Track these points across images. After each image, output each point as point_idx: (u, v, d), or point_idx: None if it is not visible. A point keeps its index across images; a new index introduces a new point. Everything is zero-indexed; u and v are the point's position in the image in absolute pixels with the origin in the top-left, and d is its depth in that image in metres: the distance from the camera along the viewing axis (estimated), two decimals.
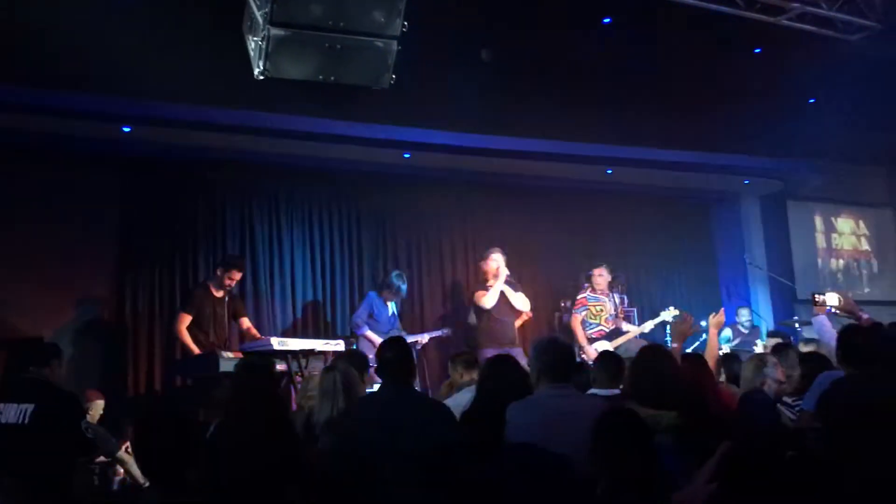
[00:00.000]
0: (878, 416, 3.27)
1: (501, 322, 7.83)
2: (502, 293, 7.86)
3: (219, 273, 6.99)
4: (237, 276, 7.01)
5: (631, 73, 7.71)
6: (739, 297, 10.30)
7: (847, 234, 11.32)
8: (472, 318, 8.11)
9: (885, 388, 3.53)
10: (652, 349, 4.13)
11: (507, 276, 7.92)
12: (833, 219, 11.22)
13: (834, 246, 11.14)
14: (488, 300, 7.76)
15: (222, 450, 3.36)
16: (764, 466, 2.53)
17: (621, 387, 4.16)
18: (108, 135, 7.20)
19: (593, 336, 8.00)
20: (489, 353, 6.18)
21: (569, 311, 8.56)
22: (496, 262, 7.90)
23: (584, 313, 8.10)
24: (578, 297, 8.21)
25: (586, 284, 8.25)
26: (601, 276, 8.16)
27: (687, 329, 5.25)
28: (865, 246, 11.42)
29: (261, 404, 3.56)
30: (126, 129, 7.15)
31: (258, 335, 7.05)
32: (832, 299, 5.07)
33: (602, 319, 8.12)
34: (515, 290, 8.01)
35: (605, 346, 7.82)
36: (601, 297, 8.13)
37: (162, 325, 7.55)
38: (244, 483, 2.91)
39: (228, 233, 8.08)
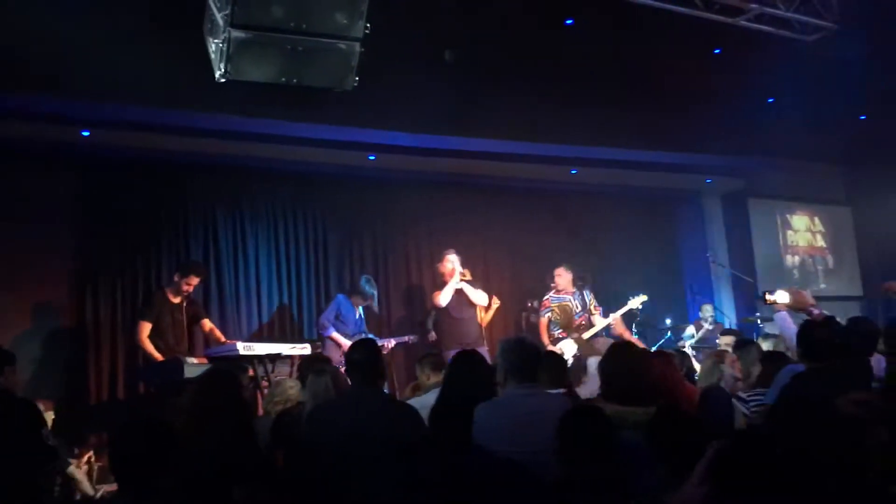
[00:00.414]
0: (833, 411, 3.33)
1: (461, 320, 7.94)
2: (460, 291, 7.96)
3: (176, 279, 6.90)
4: (195, 281, 6.93)
5: (594, 74, 7.76)
6: (703, 294, 10.43)
7: (804, 231, 11.52)
8: (430, 323, 8.28)
9: (842, 381, 3.59)
10: (621, 346, 4.16)
11: (462, 273, 7.99)
12: (791, 216, 11.41)
13: (790, 243, 11.33)
14: (443, 298, 7.94)
15: (183, 454, 3.31)
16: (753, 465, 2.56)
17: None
18: (67, 138, 7.08)
19: (559, 336, 8.05)
20: (454, 353, 6.20)
21: (535, 311, 8.62)
22: (451, 262, 8.07)
23: (548, 315, 8.18)
24: (544, 298, 8.29)
25: (552, 284, 8.31)
26: (560, 277, 8.24)
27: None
28: (821, 242, 11.63)
29: (223, 410, 3.52)
30: (85, 133, 7.03)
31: (222, 337, 6.98)
32: (782, 297, 5.13)
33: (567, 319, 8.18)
34: (475, 287, 8.08)
35: (569, 345, 7.88)
36: (564, 296, 8.19)
37: (125, 332, 7.43)
38: (204, 488, 2.88)
39: (192, 237, 7.99)
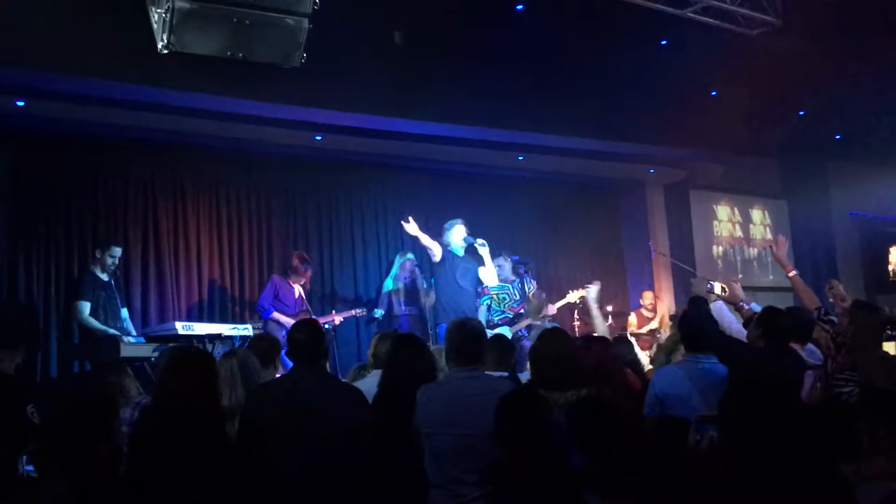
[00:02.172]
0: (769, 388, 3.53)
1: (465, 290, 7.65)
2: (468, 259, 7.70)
3: (98, 255, 6.74)
4: (118, 252, 6.77)
5: (541, 61, 7.80)
6: (644, 283, 10.61)
7: (731, 221, 11.75)
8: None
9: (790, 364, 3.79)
10: (551, 333, 4.20)
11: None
12: (717, 206, 11.62)
13: (716, 233, 11.54)
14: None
15: (145, 436, 3.17)
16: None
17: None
18: (1, 108, 6.83)
19: (498, 322, 8.07)
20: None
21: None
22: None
23: (486, 302, 8.18)
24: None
25: None
26: (500, 266, 8.25)
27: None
28: (768, 234, 11.90)
29: (196, 392, 3.33)
30: (20, 103, 6.79)
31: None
32: (718, 289, 5.29)
33: (506, 306, 8.20)
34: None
35: (505, 332, 7.91)
36: (504, 284, 8.22)
37: (59, 309, 7.24)
38: (167, 471, 2.74)
39: (130, 213, 7.80)
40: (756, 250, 11.79)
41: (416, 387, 3.62)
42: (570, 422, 3.04)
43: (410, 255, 8.46)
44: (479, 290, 8.23)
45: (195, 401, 3.14)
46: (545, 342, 3.97)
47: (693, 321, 4.20)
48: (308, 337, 3.72)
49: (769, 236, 11.67)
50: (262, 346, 4.59)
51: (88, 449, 2.50)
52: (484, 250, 7.45)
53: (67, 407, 2.61)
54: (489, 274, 7.58)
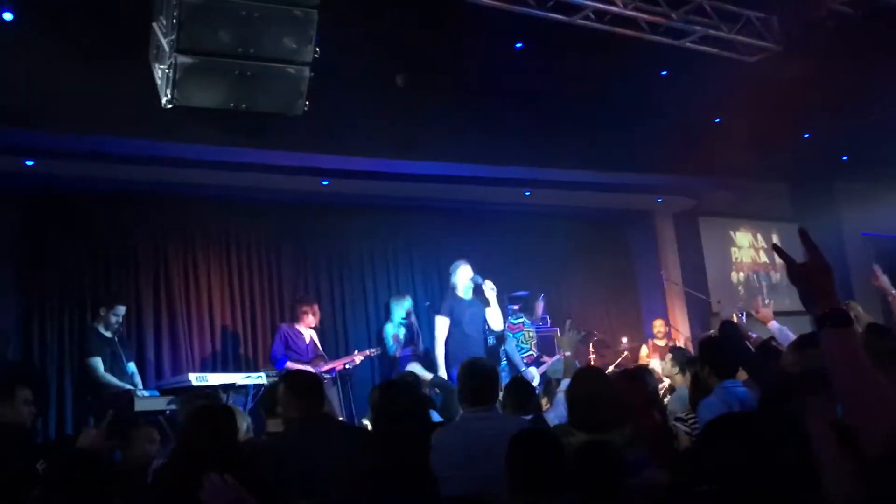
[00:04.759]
0: None
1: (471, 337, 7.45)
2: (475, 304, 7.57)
3: (102, 313, 6.74)
4: (122, 311, 6.78)
5: (544, 97, 7.85)
6: (658, 313, 10.52)
7: (747, 247, 11.70)
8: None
9: None
10: (586, 372, 4.10)
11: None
12: (735, 233, 11.58)
13: (735, 259, 11.48)
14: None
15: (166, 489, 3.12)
16: None
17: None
18: (10, 168, 6.92)
19: (525, 361, 8.03)
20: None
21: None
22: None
23: (520, 336, 8.19)
24: (514, 321, 8.27)
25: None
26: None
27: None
28: (765, 259, 11.84)
29: (217, 444, 3.24)
30: (29, 163, 6.88)
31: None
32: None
33: (533, 344, 8.20)
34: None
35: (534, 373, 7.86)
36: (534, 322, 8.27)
37: (72, 366, 7.22)
38: None
39: (141, 267, 7.84)
40: (779, 275, 11.71)
41: (409, 430, 3.55)
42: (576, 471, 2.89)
43: (409, 303, 8.28)
44: (514, 324, 8.16)
45: (216, 454, 3.09)
46: (578, 382, 3.87)
47: (728, 346, 4.08)
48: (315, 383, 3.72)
49: (764, 260, 11.66)
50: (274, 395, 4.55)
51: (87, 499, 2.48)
52: (491, 294, 7.26)
53: (64, 463, 2.60)
54: (495, 317, 7.37)
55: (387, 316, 8.31)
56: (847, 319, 1.67)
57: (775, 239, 11.86)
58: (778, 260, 11.42)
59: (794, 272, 1.73)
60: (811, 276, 1.70)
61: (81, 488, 2.48)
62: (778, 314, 5.61)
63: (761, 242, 11.72)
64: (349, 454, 3.51)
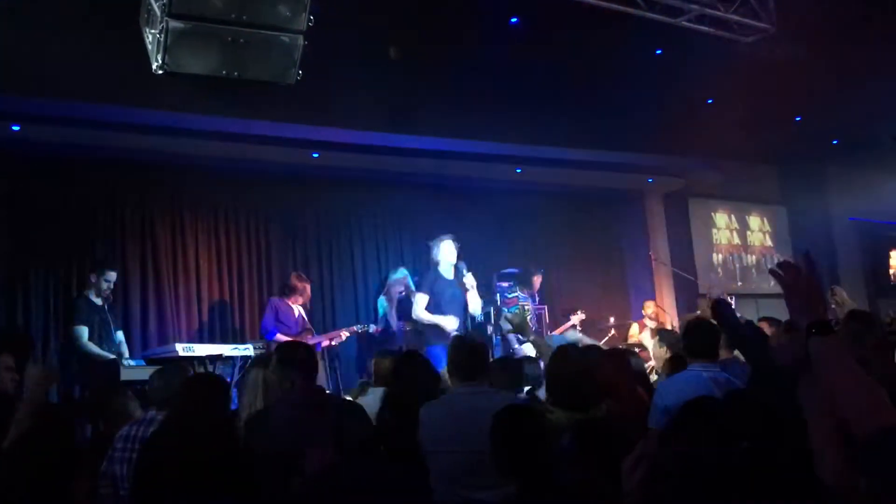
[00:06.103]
0: None
1: None
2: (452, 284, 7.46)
3: (93, 279, 6.68)
4: (113, 276, 6.73)
5: (537, 74, 7.78)
6: (646, 293, 10.57)
7: (729, 229, 11.72)
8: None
9: None
10: (566, 349, 4.14)
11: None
12: (714, 214, 11.60)
13: (716, 241, 11.48)
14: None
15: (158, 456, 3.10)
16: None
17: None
18: None
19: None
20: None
21: None
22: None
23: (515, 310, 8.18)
24: (510, 296, 8.30)
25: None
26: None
27: None
28: (769, 242, 11.89)
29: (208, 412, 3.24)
30: (15, 128, 6.78)
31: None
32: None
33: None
34: None
35: (528, 348, 7.85)
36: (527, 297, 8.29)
37: (58, 334, 7.19)
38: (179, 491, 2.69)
39: (128, 235, 7.78)
40: (754, 257, 11.76)
41: (421, 403, 3.58)
42: (578, 447, 2.91)
43: (403, 272, 8.37)
44: (509, 298, 8.16)
45: (210, 422, 3.08)
46: (558, 361, 3.90)
47: (728, 323, 4.07)
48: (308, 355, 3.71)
49: (769, 243, 11.65)
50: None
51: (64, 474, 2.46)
52: (471, 286, 7.06)
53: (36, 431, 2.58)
54: (474, 301, 7.14)
55: (382, 289, 8.32)
56: (831, 329, 1.89)
57: (759, 221, 11.93)
58: (751, 243, 11.57)
59: (792, 292, 1.95)
60: (808, 295, 1.93)
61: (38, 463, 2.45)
62: (754, 296, 5.65)
63: (735, 223, 11.73)
64: (342, 427, 3.50)
